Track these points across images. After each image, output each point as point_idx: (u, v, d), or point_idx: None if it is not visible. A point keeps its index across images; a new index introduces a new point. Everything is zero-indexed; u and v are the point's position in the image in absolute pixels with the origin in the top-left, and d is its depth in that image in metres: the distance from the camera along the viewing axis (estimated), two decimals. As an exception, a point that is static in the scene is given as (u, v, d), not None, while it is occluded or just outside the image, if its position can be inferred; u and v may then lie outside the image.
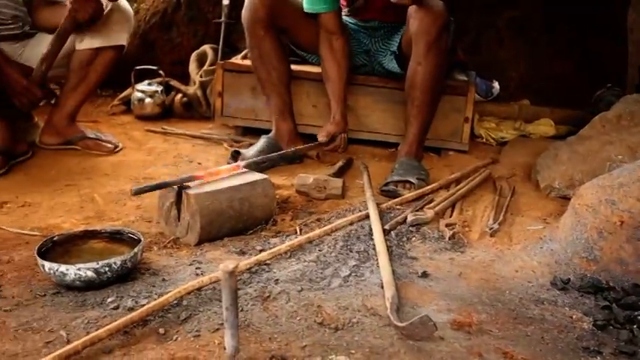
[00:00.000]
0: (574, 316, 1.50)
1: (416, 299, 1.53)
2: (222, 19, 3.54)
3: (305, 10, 2.63)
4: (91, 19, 2.49)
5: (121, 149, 2.76)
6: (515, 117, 3.23)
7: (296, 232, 1.94)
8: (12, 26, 2.57)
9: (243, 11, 2.64)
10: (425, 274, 1.67)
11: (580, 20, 3.43)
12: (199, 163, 2.63)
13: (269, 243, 1.85)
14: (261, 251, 1.77)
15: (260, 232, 1.96)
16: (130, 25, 2.70)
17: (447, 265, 1.75)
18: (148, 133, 3.08)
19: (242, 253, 1.79)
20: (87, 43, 2.60)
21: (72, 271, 1.49)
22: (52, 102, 3.05)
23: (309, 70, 2.89)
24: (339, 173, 2.47)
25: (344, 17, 2.80)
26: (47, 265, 1.51)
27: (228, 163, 2.51)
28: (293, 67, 2.80)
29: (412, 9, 2.43)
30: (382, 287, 1.54)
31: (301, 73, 2.85)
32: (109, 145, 2.72)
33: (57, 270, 1.49)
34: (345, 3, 2.79)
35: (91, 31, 2.58)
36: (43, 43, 2.54)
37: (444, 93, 2.72)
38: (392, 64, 2.76)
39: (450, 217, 2.08)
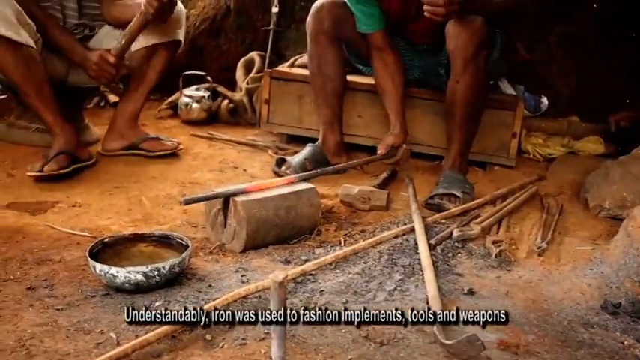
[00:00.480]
0: (625, 342, 1.47)
1: (462, 317, 1.51)
2: (271, 26, 3.57)
3: (357, 31, 2.63)
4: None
5: (182, 148, 2.80)
6: (563, 133, 3.17)
7: (340, 243, 1.94)
8: (75, 32, 2.62)
9: (309, 19, 2.66)
10: (471, 292, 1.65)
11: (634, 37, 3.35)
12: (244, 170, 2.65)
13: (314, 253, 1.85)
14: (305, 261, 1.77)
15: (304, 241, 1.96)
16: (183, 22, 2.72)
17: (494, 282, 1.73)
18: (194, 137, 3.11)
19: (287, 262, 1.80)
20: (143, 42, 2.62)
21: (122, 273, 1.51)
22: (102, 104, 3.13)
23: (357, 80, 2.88)
24: (383, 185, 2.46)
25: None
26: (98, 266, 1.54)
27: (274, 171, 2.55)
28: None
29: (449, 26, 2.40)
30: (428, 303, 1.53)
31: (349, 83, 2.84)
32: (171, 143, 2.76)
33: (108, 272, 1.52)
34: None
35: (146, 30, 2.57)
36: (105, 37, 2.61)
37: (491, 107, 2.69)
38: (443, 79, 2.72)
39: (497, 233, 2.05)
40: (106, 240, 1.69)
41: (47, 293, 1.52)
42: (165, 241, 1.75)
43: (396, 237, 1.94)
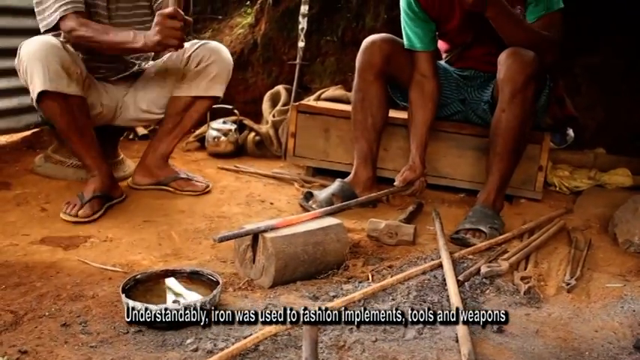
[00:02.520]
0: (659, 384, 1.45)
1: (492, 356, 1.51)
2: (297, 60, 3.62)
3: (405, 47, 2.67)
4: None
5: (211, 189, 2.80)
6: (589, 166, 3.16)
7: (368, 279, 1.95)
8: (124, 69, 2.65)
9: (359, 54, 2.71)
10: (500, 330, 1.64)
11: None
12: (271, 203, 2.67)
13: (342, 289, 1.86)
14: (334, 297, 1.78)
15: (332, 277, 1.97)
16: (228, 77, 2.72)
17: (523, 320, 1.72)
18: (221, 170, 3.16)
19: (315, 298, 1.80)
20: (185, 91, 2.66)
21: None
22: (131, 136, 3.17)
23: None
24: (409, 218, 2.46)
25: (443, 64, 2.83)
26: (131, 303, 1.56)
27: (301, 205, 2.57)
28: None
29: (502, 55, 2.42)
30: (457, 342, 1.53)
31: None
32: (201, 184, 2.78)
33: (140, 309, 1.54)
34: (445, 48, 2.82)
35: (189, 79, 2.64)
36: (147, 88, 2.66)
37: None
38: (485, 115, 2.72)
39: (525, 269, 2.04)
40: (138, 277, 1.72)
41: (81, 330, 1.55)
42: (195, 277, 1.78)
43: (423, 273, 1.94)
